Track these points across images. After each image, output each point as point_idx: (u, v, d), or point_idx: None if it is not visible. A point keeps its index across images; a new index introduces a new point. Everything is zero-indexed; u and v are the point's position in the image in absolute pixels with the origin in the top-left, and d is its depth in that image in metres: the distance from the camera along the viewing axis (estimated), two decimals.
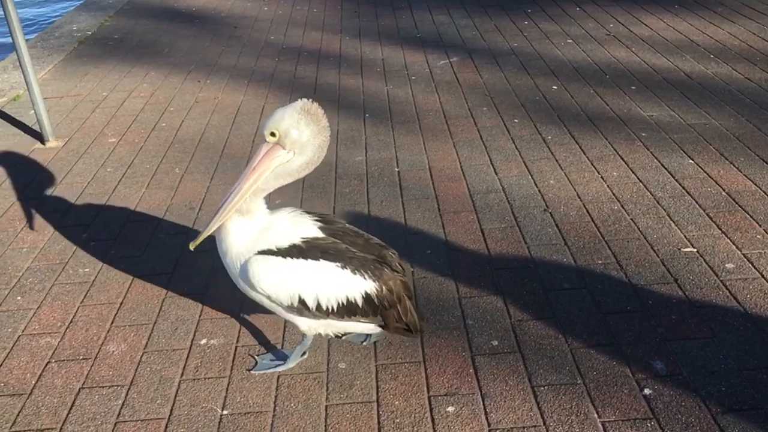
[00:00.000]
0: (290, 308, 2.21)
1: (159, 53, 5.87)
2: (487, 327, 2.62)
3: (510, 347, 2.52)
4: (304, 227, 2.24)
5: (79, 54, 5.94)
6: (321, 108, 2.12)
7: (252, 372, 2.44)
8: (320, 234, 2.23)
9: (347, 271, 2.17)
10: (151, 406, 2.33)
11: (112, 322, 2.73)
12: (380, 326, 2.31)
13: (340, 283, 2.17)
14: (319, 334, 2.38)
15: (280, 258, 2.15)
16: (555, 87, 4.81)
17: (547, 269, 2.92)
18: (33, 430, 2.25)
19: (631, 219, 3.23)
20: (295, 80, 5.18)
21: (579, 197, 3.44)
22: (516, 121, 4.33)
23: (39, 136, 4.31)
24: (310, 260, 2.16)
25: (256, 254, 2.16)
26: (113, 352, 2.58)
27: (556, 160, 3.81)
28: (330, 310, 2.19)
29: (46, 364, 2.53)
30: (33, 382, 2.45)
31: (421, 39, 5.96)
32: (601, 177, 3.62)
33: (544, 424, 2.20)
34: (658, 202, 3.36)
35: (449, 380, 2.38)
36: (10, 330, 2.71)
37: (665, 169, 3.66)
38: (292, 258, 2.15)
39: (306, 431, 2.21)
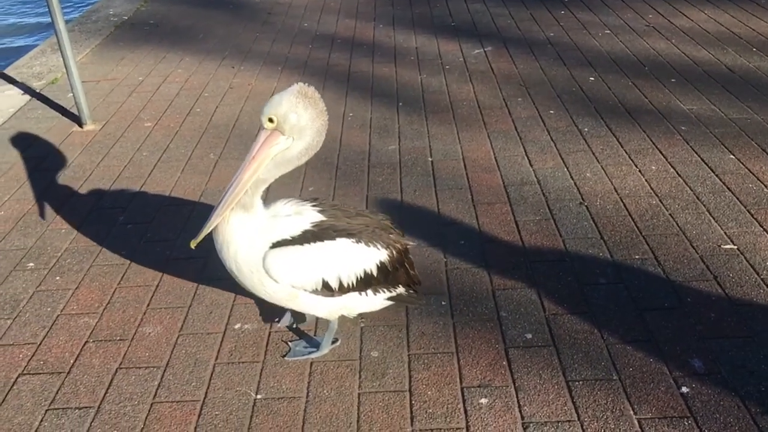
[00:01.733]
0: (314, 292, 2.22)
1: (193, 39, 5.90)
2: (521, 320, 2.60)
3: (544, 341, 2.49)
4: (307, 213, 2.25)
5: (115, 38, 6.00)
6: (317, 92, 2.11)
7: (286, 359, 2.46)
8: (323, 216, 2.25)
9: (362, 245, 2.22)
10: (187, 388, 2.36)
11: (148, 305, 2.76)
12: (389, 300, 2.37)
13: (359, 257, 2.22)
14: (343, 316, 2.40)
15: (298, 246, 2.16)
16: (592, 78, 4.73)
17: (582, 263, 2.88)
18: (71, 408, 2.30)
19: (670, 214, 3.18)
20: (329, 68, 5.17)
21: (616, 191, 3.38)
22: (552, 112, 4.27)
23: (77, 119, 4.37)
24: (327, 241, 2.18)
25: (271, 247, 2.16)
26: (149, 333, 2.61)
27: (593, 153, 3.75)
28: (350, 286, 2.23)
29: (84, 344, 2.57)
30: (71, 361, 2.50)
31: (455, 28, 5.90)
32: (639, 171, 3.55)
33: (579, 419, 2.18)
34: (697, 198, 3.29)
35: (482, 372, 2.37)
36: (49, 309, 2.76)
37: (705, 164, 3.58)
38: (310, 243, 2.17)
39: (339, 418, 2.22)
